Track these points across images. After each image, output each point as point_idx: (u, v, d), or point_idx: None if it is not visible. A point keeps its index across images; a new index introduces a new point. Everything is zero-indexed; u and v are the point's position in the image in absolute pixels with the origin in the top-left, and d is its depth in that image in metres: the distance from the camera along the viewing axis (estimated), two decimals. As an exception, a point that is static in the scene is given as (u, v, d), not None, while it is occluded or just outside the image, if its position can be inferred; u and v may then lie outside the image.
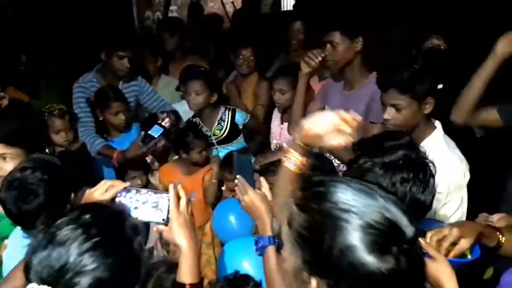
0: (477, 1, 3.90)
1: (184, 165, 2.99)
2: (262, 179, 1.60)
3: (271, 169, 2.05)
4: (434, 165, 1.37)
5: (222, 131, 3.06)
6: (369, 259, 0.79)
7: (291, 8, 6.91)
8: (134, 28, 6.08)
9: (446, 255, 1.29)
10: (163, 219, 1.23)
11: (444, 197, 1.70)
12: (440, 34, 2.77)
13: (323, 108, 2.47)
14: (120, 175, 2.83)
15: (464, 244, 1.32)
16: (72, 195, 1.67)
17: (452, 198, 1.73)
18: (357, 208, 0.83)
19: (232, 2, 7.73)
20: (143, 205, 1.23)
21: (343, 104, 2.32)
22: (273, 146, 3.04)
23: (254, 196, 1.48)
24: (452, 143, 1.87)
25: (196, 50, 4.46)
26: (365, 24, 2.47)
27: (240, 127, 3.10)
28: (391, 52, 3.74)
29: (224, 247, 2.12)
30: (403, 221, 0.83)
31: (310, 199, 0.88)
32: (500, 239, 1.40)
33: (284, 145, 2.86)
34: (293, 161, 1.36)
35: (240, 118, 3.10)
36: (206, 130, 3.06)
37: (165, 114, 2.90)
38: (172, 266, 1.41)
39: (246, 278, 1.63)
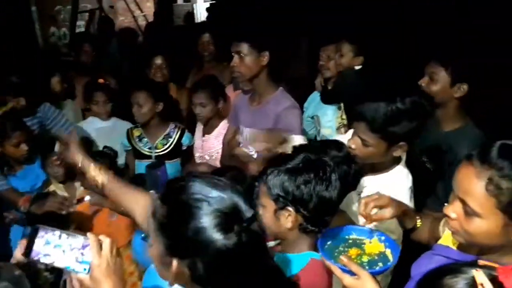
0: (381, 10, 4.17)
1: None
2: None
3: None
4: (331, 164, 1.40)
5: (166, 146, 2.95)
6: (216, 236, 0.96)
7: (204, 19, 6.94)
8: (37, 45, 5.73)
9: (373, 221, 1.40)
10: (84, 269, 1.07)
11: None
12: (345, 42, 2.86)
13: (237, 130, 2.50)
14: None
15: (388, 213, 1.39)
16: None
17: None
18: (208, 198, 0.99)
19: (144, 15, 7.60)
20: (61, 251, 1.07)
21: (252, 122, 2.35)
22: (196, 159, 3.01)
23: None
24: (410, 179, 1.75)
25: (107, 65, 4.31)
26: (274, 36, 2.50)
27: (184, 148, 3.02)
28: (299, 62, 3.87)
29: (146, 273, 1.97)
30: (243, 206, 1.01)
31: (171, 192, 1.04)
32: (417, 223, 1.49)
33: (207, 157, 2.85)
34: None
35: (187, 139, 3.01)
36: (147, 142, 2.95)
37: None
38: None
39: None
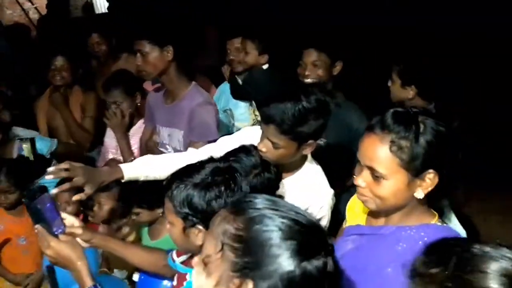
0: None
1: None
2: (72, 219, 1.41)
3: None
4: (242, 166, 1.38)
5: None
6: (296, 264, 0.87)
7: (106, 10, 6.52)
8: None
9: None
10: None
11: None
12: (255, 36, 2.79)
13: (154, 129, 2.39)
14: None
15: None
16: None
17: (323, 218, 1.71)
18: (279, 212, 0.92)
19: (36, 8, 6.94)
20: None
21: (168, 120, 2.25)
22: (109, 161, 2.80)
23: (59, 246, 1.29)
24: (320, 169, 1.79)
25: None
26: (175, 29, 2.36)
27: (47, 156, 2.71)
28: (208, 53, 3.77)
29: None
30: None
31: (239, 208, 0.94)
32: None
33: (121, 158, 2.66)
34: None
35: (44, 147, 2.70)
36: None
37: None
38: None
39: None
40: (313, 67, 2.31)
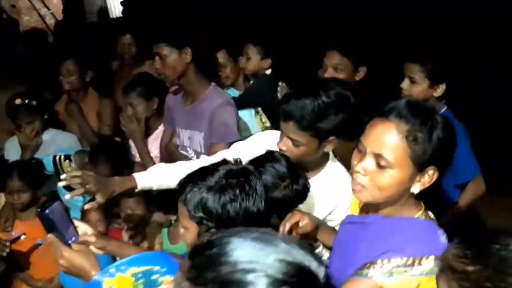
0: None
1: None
2: (85, 227, 1.38)
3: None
4: (257, 174, 1.32)
5: None
6: None
7: (120, 15, 6.56)
8: None
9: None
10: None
11: (339, 221, 1.61)
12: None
13: (173, 131, 2.35)
14: None
15: (305, 227, 1.44)
16: None
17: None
18: (260, 265, 0.67)
19: (52, 13, 7.02)
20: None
21: (188, 122, 2.22)
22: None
23: (72, 256, 1.28)
24: (343, 168, 1.75)
25: (17, 73, 3.88)
26: (194, 30, 2.32)
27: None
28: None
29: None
30: (312, 264, 0.70)
31: (204, 267, 0.70)
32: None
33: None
34: None
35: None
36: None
37: None
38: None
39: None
40: (334, 71, 2.23)
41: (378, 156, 1.15)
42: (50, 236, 1.28)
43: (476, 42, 3.89)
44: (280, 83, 2.80)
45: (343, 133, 1.61)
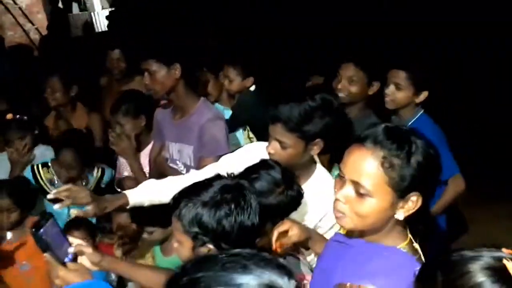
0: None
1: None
2: (80, 242, 1.39)
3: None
4: (252, 188, 1.33)
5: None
6: None
7: (106, 28, 6.55)
8: None
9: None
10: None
11: (327, 229, 1.65)
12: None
13: (162, 146, 2.34)
14: None
15: (293, 236, 1.43)
16: None
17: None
18: None
19: (36, 28, 6.98)
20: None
21: (177, 136, 2.22)
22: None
23: (68, 276, 1.29)
24: (329, 175, 1.79)
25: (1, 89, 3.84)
26: (182, 45, 2.32)
27: (103, 186, 2.65)
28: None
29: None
30: (283, 281, 0.74)
31: None
32: None
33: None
34: None
35: (108, 177, 2.68)
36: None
37: None
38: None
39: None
40: (348, 82, 2.25)
41: (356, 184, 1.12)
42: (46, 255, 1.29)
43: (475, 46, 3.95)
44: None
45: (328, 136, 1.68)
